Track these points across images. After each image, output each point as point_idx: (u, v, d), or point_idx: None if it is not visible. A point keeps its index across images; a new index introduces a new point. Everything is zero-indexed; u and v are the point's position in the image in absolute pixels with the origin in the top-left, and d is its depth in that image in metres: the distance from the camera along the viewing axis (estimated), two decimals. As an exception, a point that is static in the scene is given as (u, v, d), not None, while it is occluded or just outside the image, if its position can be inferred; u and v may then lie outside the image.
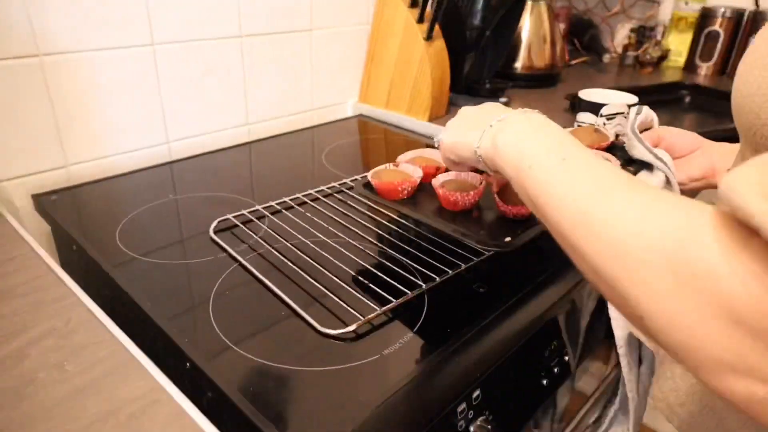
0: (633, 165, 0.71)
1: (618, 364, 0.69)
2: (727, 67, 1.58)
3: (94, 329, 0.48)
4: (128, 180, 0.82)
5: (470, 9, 1.12)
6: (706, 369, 0.26)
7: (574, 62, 1.63)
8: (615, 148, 0.77)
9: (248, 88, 1.00)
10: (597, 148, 0.75)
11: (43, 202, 0.74)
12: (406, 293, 0.56)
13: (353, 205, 0.76)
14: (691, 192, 0.71)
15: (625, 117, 0.85)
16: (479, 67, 1.19)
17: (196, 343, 0.50)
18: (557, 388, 0.61)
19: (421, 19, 1.03)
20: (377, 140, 1.05)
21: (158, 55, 0.85)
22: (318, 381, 0.46)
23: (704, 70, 1.59)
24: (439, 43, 1.05)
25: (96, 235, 0.66)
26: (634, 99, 0.86)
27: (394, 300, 0.55)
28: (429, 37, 1.02)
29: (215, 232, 0.68)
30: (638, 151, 0.69)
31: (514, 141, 0.42)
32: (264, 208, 0.73)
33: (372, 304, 0.55)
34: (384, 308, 0.54)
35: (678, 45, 1.65)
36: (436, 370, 0.48)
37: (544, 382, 0.59)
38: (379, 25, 1.09)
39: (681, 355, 0.27)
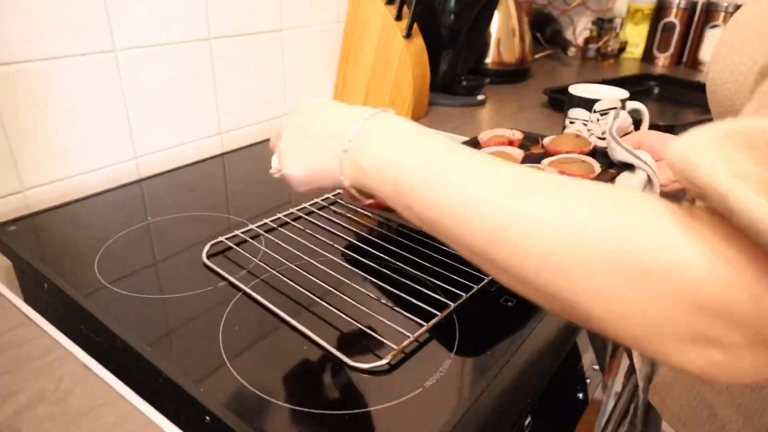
0: (614, 168, 0.71)
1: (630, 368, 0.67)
2: (683, 57, 1.62)
3: (93, 388, 0.41)
4: (95, 203, 0.74)
5: (444, 6, 1.08)
6: (664, 350, 0.25)
7: (537, 56, 1.63)
8: (597, 153, 0.76)
9: (219, 95, 0.92)
10: (579, 153, 0.74)
11: (0, 233, 0.64)
12: (435, 314, 0.52)
13: (353, 217, 0.71)
14: (674, 193, 0.71)
15: (618, 112, 0.84)
16: (454, 65, 1.16)
17: (214, 391, 0.43)
18: (591, 400, 0.58)
19: (399, 17, 0.98)
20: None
21: (121, 62, 0.77)
22: (360, 425, 0.41)
23: (662, 60, 1.63)
24: (418, 41, 1.01)
25: (71, 271, 0.58)
26: (626, 94, 0.85)
27: (425, 323, 0.51)
28: (408, 35, 0.97)
29: (208, 257, 0.61)
30: (618, 154, 0.69)
31: (381, 162, 0.35)
32: (258, 226, 0.67)
33: (402, 330, 0.50)
34: (417, 333, 0.50)
35: (635, 37, 1.69)
36: (487, 399, 0.44)
37: (580, 395, 0.56)
38: (353, 24, 1.04)
39: (638, 344, 0.26)
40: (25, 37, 0.66)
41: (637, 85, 1.27)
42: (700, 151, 0.23)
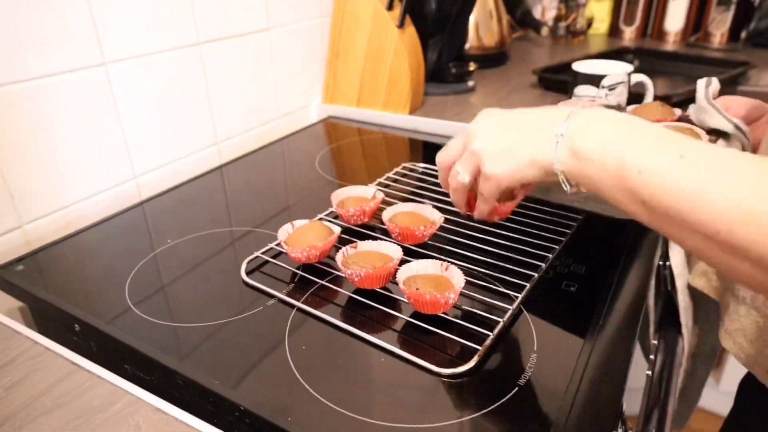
0: (711, 134, 0.67)
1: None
2: (648, 29, 1.66)
3: (177, 434, 0.37)
4: (101, 231, 0.68)
5: (430, -8, 1.06)
6: None
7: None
8: (680, 122, 0.72)
9: (213, 102, 0.87)
10: (672, 121, 0.71)
11: (9, 275, 0.58)
12: (505, 308, 0.50)
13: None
14: None
15: (626, 86, 0.84)
16: (442, 53, 1.14)
17: (301, 419, 0.40)
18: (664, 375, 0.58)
19: (390, 7, 0.95)
20: (363, 142, 0.97)
21: (112, 75, 0.71)
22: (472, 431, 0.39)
23: (628, 33, 1.66)
24: (411, 31, 0.98)
25: (104, 308, 0.53)
26: (630, 67, 0.85)
27: (500, 319, 0.49)
28: (401, 24, 0.95)
29: (247, 274, 0.57)
30: (716, 120, 0.64)
31: (602, 144, 0.38)
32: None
33: (477, 328, 0.48)
34: (496, 330, 0.48)
35: (598, 12, 1.72)
36: (588, 391, 0.43)
37: (649, 373, 0.56)
38: (341, 17, 1.00)
39: None
40: (9, 57, 0.60)
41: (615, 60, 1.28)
42: None
